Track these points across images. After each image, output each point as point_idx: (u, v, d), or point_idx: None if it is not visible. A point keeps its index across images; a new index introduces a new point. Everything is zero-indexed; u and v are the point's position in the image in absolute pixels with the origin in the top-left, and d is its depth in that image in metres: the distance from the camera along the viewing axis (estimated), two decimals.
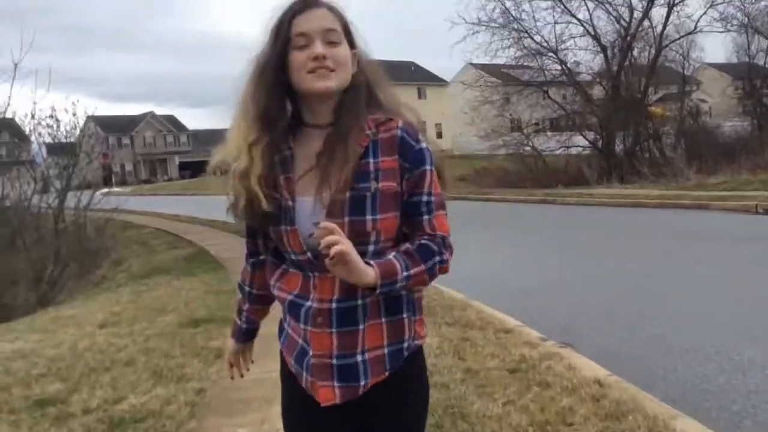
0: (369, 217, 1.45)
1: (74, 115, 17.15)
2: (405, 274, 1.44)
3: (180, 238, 15.06)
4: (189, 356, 4.44)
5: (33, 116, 16.45)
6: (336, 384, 1.51)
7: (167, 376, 3.97)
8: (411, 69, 55.07)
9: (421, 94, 53.76)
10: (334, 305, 1.48)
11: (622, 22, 27.26)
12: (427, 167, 1.51)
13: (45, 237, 14.24)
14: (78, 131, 19.41)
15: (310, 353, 1.51)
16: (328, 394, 1.51)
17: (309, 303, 1.50)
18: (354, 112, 1.50)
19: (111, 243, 16.83)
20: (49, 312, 8.63)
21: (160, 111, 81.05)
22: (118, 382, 3.92)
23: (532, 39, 27.69)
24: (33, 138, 18.24)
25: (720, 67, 41.90)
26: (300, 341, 1.54)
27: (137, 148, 74.65)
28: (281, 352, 1.63)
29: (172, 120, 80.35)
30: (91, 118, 76.09)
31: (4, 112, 15.77)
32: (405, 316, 1.56)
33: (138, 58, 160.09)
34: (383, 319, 1.52)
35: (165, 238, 15.54)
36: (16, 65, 13.31)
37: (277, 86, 1.49)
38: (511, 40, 27.56)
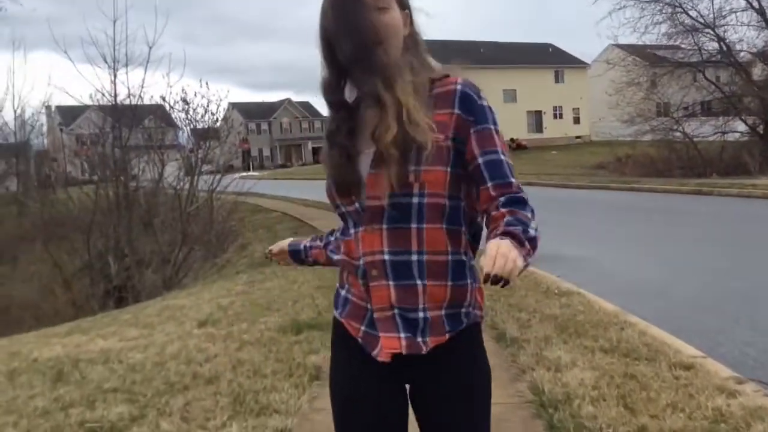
0: (412, 168, 1.44)
1: (216, 103, 17.17)
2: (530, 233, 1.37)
3: (304, 223, 14.69)
4: (281, 376, 3.71)
5: (179, 102, 16.67)
6: (402, 335, 1.49)
7: (249, 404, 3.25)
8: (549, 51, 52.63)
9: (558, 78, 51.30)
10: (386, 257, 1.48)
11: None
12: (495, 127, 1.51)
13: (177, 219, 14.34)
14: (220, 117, 19.65)
15: (370, 307, 1.50)
16: (393, 343, 1.49)
17: (360, 259, 1.50)
18: (398, 73, 1.46)
19: (239, 227, 16.85)
20: (166, 299, 8.35)
21: (297, 98, 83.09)
22: (191, 409, 3.26)
23: (687, 14, 25.18)
24: (179, 123, 18.67)
25: None
26: (356, 299, 1.55)
27: (274, 134, 76.98)
28: (334, 320, 1.63)
29: (307, 107, 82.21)
30: (233, 105, 79.79)
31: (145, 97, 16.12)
32: (468, 281, 1.54)
33: (281, 47, 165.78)
34: (449, 282, 1.51)
35: (290, 223, 15.24)
36: (150, 48, 13.33)
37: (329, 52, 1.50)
38: (663, 15, 25.19)
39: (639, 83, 27.32)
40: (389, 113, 1.42)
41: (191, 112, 17.48)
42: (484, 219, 1.50)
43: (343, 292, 1.60)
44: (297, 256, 1.91)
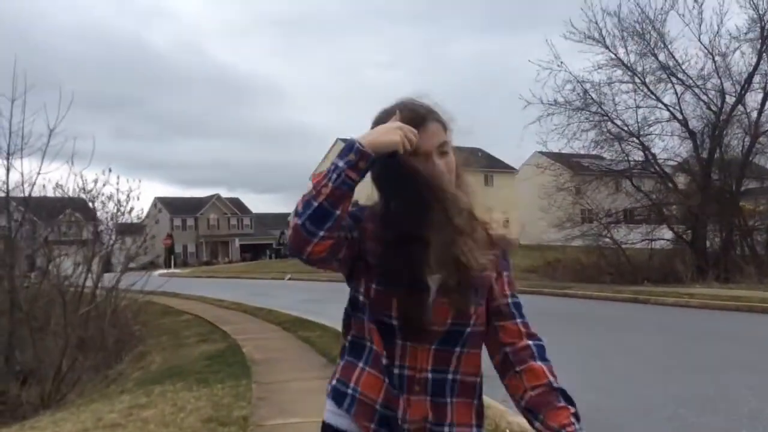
0: (473, 301, 1.57)
1: (130, 196, 15.73)
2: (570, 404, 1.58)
3: (215, 328, 13.22)
4: None
5: (99, 197, 15.26)
6: None
7: None
8: (478, 155, 53.61)
9: (488, 181, 51.99)
10: (430, 375, 1.55)
11: (713, 107, 25.05)
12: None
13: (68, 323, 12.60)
14: (141, 212, 18.33)
15: (405, 418, 1.52)
16: None
17: (399, 370, 1.54)
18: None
19: (142, 331, 15.15)
20: (23, 428, 6.75)
21: (227, 195, 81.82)
22: None
23: (613, 122, 25.67)
24: (101, 217, 17.34)
25: None
26: (364, 399, 1.56)
27: (201, 230, 74.90)
28: (324, 426, 1.63)
29: (236, 203, 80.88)
30: (159, 200, 77.29)
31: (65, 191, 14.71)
32: (481, 401, 1.64)
33: (212, 145, 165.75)
34: (474, 401, 1.62)
35: (199, 328, 13.71)
36: (51, 131, 11.95)
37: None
38: (589, 123, 25.61)
39: (569, 188, 27.47)
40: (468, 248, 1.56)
41: (106, 205, 16.10)
42: (507, 349, 1.64)
43: (349, 391, 1.58)
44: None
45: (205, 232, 74.84)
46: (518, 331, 1.63)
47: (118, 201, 15.15)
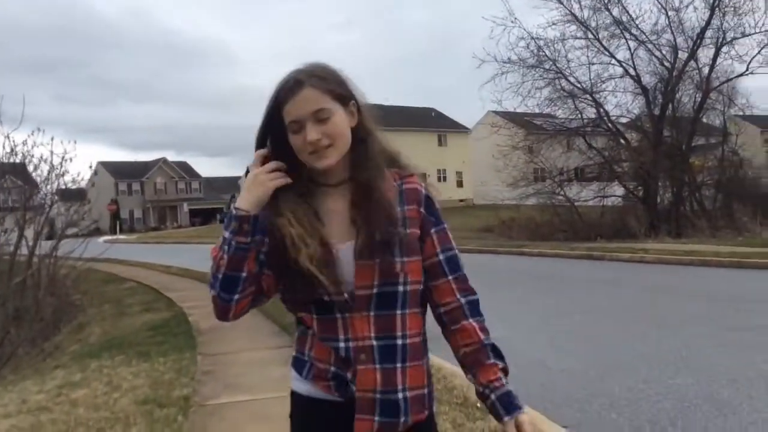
0: (398, 260, 1.55)
1: (68, 159, 14.70)
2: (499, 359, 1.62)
3: (161, 295, 12.59)
4: None
5: (30, 159, 14.26)
6: (376, 418, 1.54)
7: None
8: (431, 115, 53.10)
9: (441, 141, 51.69)
10: (374, 343, 1.54)
11: (666, 63, 25.00)
12: (446, 225, 1.68)
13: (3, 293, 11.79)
14: (82, 177, 17.36)
15: (353, 388, 1.55)
16: (366, 426, 1.54)
17: (344, 343, 1.55)
18: (374, 166, 1.61)
19: (84, 300, 14.38)
20: None
21: (173, 158, 79.66)
22: None
23: (567, 80, 25.41)
24: (46, 184, 16.37)
25: (754, 119, 39.35)
26: (319, 363, 1.58)
27: (147, 195, 72.91)
28: (294, 394, 1.65)
29: (184, 167, 78.86)
30: (102, 164, 74.78)
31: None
32: (425, 360, 1.64)
33: (161, 110, 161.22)
34: (422, 362, 1.61)
35: (143, 295, 13.05)
36: None
37: (282, 154, 1.59)
38: (543, 80, 25.30)
39: (523, 147, 27.28)
40: (378, 206, 1.56)
41: (38, 168, 15.11)
42: (441, 309, 1.65)
43: (305, 359, 1.62)
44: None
45: (152, 196, 72.89)
46: (450, 289, 1.64)
47: (52, 164, 14.18)
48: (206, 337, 7.81)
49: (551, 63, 25.42)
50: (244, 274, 1.53)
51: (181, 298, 11.76)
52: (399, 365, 1.55)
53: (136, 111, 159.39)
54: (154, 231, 62.04)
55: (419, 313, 1.61)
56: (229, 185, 77.71)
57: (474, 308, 1.65)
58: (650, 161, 23.94)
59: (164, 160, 75.74)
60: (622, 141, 26.37)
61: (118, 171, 72.76)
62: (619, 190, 27.01)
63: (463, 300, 1.64)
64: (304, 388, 1.62)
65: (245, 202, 1.54)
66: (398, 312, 1.56)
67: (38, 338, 11.61)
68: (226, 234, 1.53)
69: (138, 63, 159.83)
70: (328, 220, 1.59)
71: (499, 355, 1.61)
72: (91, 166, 24.46)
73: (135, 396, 4.96)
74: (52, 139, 14.30)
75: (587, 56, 25.35)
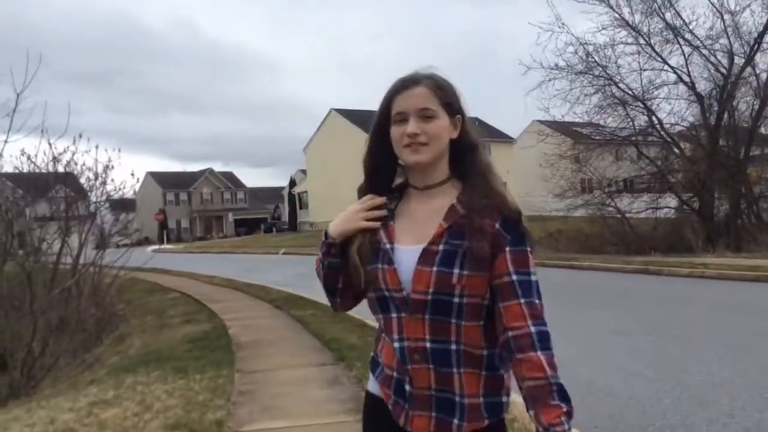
0: (455, 271, 1.55)
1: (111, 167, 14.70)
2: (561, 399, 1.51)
3: (203, 307, 12.36)
4: None
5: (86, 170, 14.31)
6: (433, 414, 1.57)
7: None
8: (475, 125, 52.36)
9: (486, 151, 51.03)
10: (428, 345, 1.57)
11: (721, 69, 24.01)
12: (531, 249, 1.67)
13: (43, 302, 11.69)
14: (125, 185, 17.34)
15: (409, 387, 1.59)
16: (423, 423, 1.58)
17: (400, 342, 1.60)
18: (467, 170, 1.71)
19: (127, 310, 14.28)
20: None
21: (220, 169, 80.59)
22: None
23: (617, 86, 24.61)
24: (92, 193, 16.55)
25: None
26: (386, 369, 1.65)
27: (194, 205, 73.83)
28: (366, 392, 1.75)
29: (230, 177, 79.71)
30: (150, 174, 76.16)
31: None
32: (502, 372, 1.63)
33: (207, 121, 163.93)
34: (482, 372, 1.59)
35: (186, 306, 12.85)
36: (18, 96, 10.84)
37: (381, 154, 1.71)
38: (593, 87, 24.55)
39: (571, 156, 26.55)
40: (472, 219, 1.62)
41: (82, 175, 15.13)
42: (509, 334, 1.56)
43: (379, 359, 1.68)
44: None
45: (199, 207, 73.80)
46: (521, 313, 1.56)
47: (96, 172, 14.15)
48: (245, 352, 7.48)
49: (601, 69, 24.65)
50: (339, 285, 1.73)
51: (223, 309, 11.51)
52: (455, 370, 1.56)
53: (184, 122, 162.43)
54: (200, 241, 62.68)
55: (478, 326, 1.59)
56: (274, 195, 78.13)
57: (544, 340, 1.55)
58: (705, 171, 22.97)
59: (210, 171, 76.66)
60: (676, 150, 25.41)
61: (166, 181, 73.88)
62: (672, 202, 26.02)
63: (533, 328, 1.55)
64: (375, 387, 1.69)
65: (334, 230, 1.71)
66: (453, 321, 1.56)
67: (80, 349, 11.49)
68: (320, 254, 1.73)
69: (184, 74, 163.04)
70: (404, 221, 1.65)
71: (564, 398, 1.51)
72: (133, 174, 23.99)
73: (166, 418, 4.63)
74: (96, 147, 14.29)
75: (638, 62, 24.51)
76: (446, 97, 1.65)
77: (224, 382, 5.80)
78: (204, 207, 74.00)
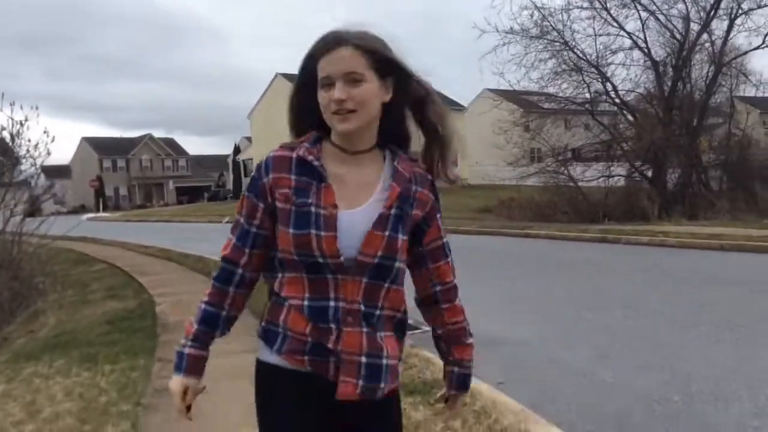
0: (400, 236, 1.58)
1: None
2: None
3: (131, 279, 11.18)
4: None
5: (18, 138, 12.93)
6: (360, 382, 1.55)
7: None
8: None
9: None
10: (362, 307, 1.57)
11: (677, 35, 23.58)
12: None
13: None
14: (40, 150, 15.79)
15: (339, 349, 1.55)
16: (349, 389, 1.55)
17: (334, 303, 1.55)
18: (396, 135, 1.67)
19: (49, 283, 12.95)
20: None
21: (159, 134, 77.64)
22: None
23: (573, 51, 23.96)
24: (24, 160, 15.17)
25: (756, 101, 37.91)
26: (295, 335, 1.57)
27: (133, 172, 71.08)
28: (262, 364, 1.63)
29: (171, 143, 76.94)
30: (86, 140, 73.09)
31: None
32: (402, 336, 1.70)
33: (150, 88, 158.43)
34: (394, 335, 1.66)
35: (112, 279, 11.63)
36: None
37: (306, 111, 1.63)
38: (548, 52, 23.85)
39: (524, 123, 25.93)
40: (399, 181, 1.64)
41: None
42: (438, 288, 1.72)
43: (279, 329, 1.59)
44: (201, 363, 1.70)
45: (138, 174, 71.07)
46: (449, 269, 1.73)
47: (11, 132, 12.70)
48: (171, 335, 6.42)
49: (556, 34, 23.99)
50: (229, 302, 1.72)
51: (153, 283, 10.36)
52: (380, 333, 1.60)
53: (125, 88, 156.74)
54: (139, 209, 60.35)
55: (401, 290, 1.64)
56: (217, 163, 75.86)
57: (458, 290, 1.76)
58: (660, 139, 22.61)
59: (150, 137, 73.80)
60: (630, 117, 25.02)
61: (103, 147, 70.81)
62: (622, 170, 25.71)
63: (455, 282, 1.74)
64: (272, 358, 1.60)
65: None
66: (386, 285, 1.59)
67: None
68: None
69: (127, 40, 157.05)
70: (338, 186, 1.58)
71: (471, 335, 1.78)
72: (46, 132, 21.22)
73: (56, 428, 3.57)
74: (11, 104, 12.79)
75: (593, 28, 23.94)
76: (375, 58, 1.56)
77: (138, 376, 4.77)
78: (143, 174, 71.31)
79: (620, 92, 24.65)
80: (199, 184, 71.76)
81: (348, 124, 1.54)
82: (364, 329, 1.55)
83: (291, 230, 1.54)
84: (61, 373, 5.15)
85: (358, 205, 1.56)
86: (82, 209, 62.97)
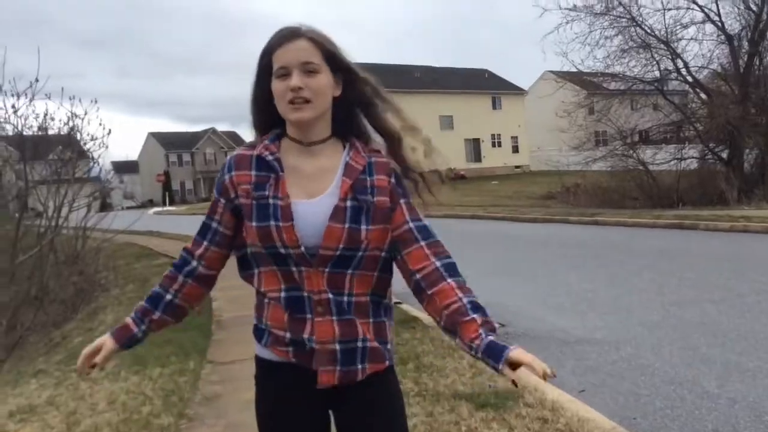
0: (363, 227, 1.59)
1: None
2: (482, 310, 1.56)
3: None
4: None
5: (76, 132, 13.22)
6: (337, 368, 1.60)
7: None
8: (485, 76, 50.43)
9: (496, 104, 49.07)
10: (330, 296, 1.59)
11: (753, 6, 22.13)
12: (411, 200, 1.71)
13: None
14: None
15: (313, 339, 1.58)
16: (328, 377, 1.59)
17: (304, 294, 1.59)
18: (348, 129, 1.70)
19: (108, 279, 12.99)
20: None
21: (222, 128, 78.77)
22: None
23: (641, 27, 22.78)
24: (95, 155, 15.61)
25: None
26: (275, 331, 1.62)
27: (198, 166, 72.35)
28: (256, 356, 1.69)
29: (233, 136, 77.96)
30: (152, 135, 74.88)
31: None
32: (385, 319, 1.69)
33: (213, 82, 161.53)
34: (370, 320, 1.65)
35: None
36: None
37: (264, 107, 1.67)
38: (613, 30, 22.75)
39: (587, 105, 24.91)
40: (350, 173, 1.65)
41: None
42: (417, 276, 1.62)
43: (263, 326, 1.65)
44: (136, 344, 1.79)
45: (202, 167, 72.29)
46: (424, 254, 1.63)
47: (71, 126, 12.77)
48: (224, 333, 6.15)
49: (622, 9, 22.85)
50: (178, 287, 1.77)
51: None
52: (355, 319, 1.61)
53: (191, 84, 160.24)
54: (204, 202, 61.41)
55: (370, 276, 1.63)
56: None
57: (452, 269, 1.62)
58: (737, 118, 21.28)
59: (213, 131, 74.96)
60: (703, 96, 23.68)
61: (168, 142, 72.34)
62: (696, 152, 24.40)
63: (438, 263, 1.62)
64: (265, 353, 1.66)
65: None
66: (348, 272, 1.59)
67: (54, 324, 10.21)
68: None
69: (192, 36, 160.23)
70: (290, 176, 1.61)
71: (477, 309, 1.54)
72: (102, 125, 20.44)
73: (112, 418, 3.28)
74: (71, 98, 12.84)
75: (662, 1, 22.73)
76: (328, 52, 1.62)
77: (186, 382, 4.46)
78: (208, 168, 72.50)
79: (692, 69, 23.30)
80: None
81: (302, 113, 1.58)
82: (335, 318, 1.58)
83: (254, 223, 1.58)
84: (110, 377, 4.90)
85: (316, 195, 1.59)
86: (150, 203, 64.61)
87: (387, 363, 1.66)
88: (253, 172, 1.62)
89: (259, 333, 1.67)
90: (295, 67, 1.56)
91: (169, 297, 1.72)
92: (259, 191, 1.59)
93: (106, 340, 1.74)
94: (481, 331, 1.48)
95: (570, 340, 5.52)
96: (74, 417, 3.89)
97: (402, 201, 1.65)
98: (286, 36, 1.60)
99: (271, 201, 1.57)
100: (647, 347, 5.20)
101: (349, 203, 1.58)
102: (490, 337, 1.46)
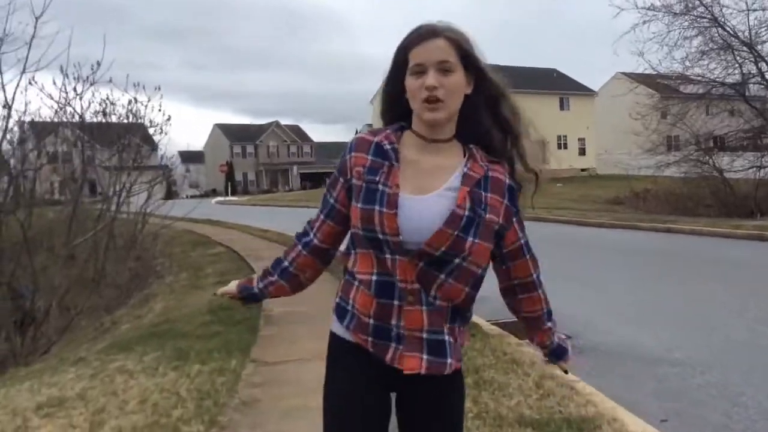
0: (470, 239, 1.59)
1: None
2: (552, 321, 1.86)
3: (244, 265, 10.83)
4: None
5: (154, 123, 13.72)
6: (424, 356, 1.60)
7: None
8: (553, 76, 49.18)
9: (563, 105, 47.78)
10: (417, 286, 1.60)
11: None
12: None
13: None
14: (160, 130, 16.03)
15: (401, 325, 1.60)
16: (414, 363, 1.60)
17: (396, 281, 1.60)
18: (472, 126, 1.70)
19: (164, 266, 12.93)
20: None
21: (286, 121, 79.46)
22: None
23: (723, 28, 21.62)
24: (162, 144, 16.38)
25: None
26: (360, 315, 1.63)
27: (261, 158, 73.17)
28: (332, 334, 1.71)
29: (296, 130, 78.61)
30: (218, 126, 76.04)
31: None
32: (462, 326, 1.71)
33: (280, 77, 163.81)
34: (451, 324, 1.66)
35: (227, 263, 11.35)
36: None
37: (394, 100, 1.72)
38: (693, 30, 21.66)
39: (661, 109, 23.83)
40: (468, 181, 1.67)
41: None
42: (516, 282, 1.77)
43: (348, 307, 1.66)
44: (253, 299, 1.90)
45: (265, 159, 73.05)
46: (528, 266, 1.75)
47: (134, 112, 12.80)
48: (272, 329, 5.84)
49: (704, 9, 21.74)
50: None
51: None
52: (441, 313, 1.62)
53: (257, 78, 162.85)
54: (265, 194, 62.01)
55: (461, 290, 1.63)
56: (340, 149, 75.89)
57: (540, 281, 1.79)
58: None
59: (277, 124, 75.67)
60: None
61: (233, 133, 73.39)
62: None
63: (535, 275, 1.77)
64: (341, 331, 1.68)
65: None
66: (441, 276, 1.59)
67: (106, 308, 10.15)
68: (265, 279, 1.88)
69: (259, 31, 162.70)
70: (407, 168, 1.63)
71: (551, 319, 1.84)
72: (161, 110, 19.09)
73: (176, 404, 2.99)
74: (135, 85, 12.86)
75: (746, 1, 21.45)
76: (464, 51, 1.64)
77: (226, 382, 4.14)
78: (270, 160, 73.20)
79: None
80: (322, 171, 72.79)
81: (436, 114, 1.61)
82: (425, 307, 1.59)
83: (359, 205, 1.61)
84: (147, 371, 4.63)
85: (427, 191, 1.61)
86: (213, 193, 65.66)
87: (461, 365, 1.70)
88: (370, 157, 1.65)
89: (342, 312, 1.69)
90: (431, 66, 1.59)
91: (285, 264, 1.80)
92: (371, 176, 1.62)
93: (234, 283, 1.90)
94: (553, 337, 1.85)
95: (647, 357, 4.99)
96: (100, 416, 3.60)
97: (515, 219, 1.69)
98: (424, 34, 1.62)
99: (380, 187, 1.60)
100: (736, 372, 4.62)
101: (467, 213, 1.58)
102: (558, 342, 1.86)
